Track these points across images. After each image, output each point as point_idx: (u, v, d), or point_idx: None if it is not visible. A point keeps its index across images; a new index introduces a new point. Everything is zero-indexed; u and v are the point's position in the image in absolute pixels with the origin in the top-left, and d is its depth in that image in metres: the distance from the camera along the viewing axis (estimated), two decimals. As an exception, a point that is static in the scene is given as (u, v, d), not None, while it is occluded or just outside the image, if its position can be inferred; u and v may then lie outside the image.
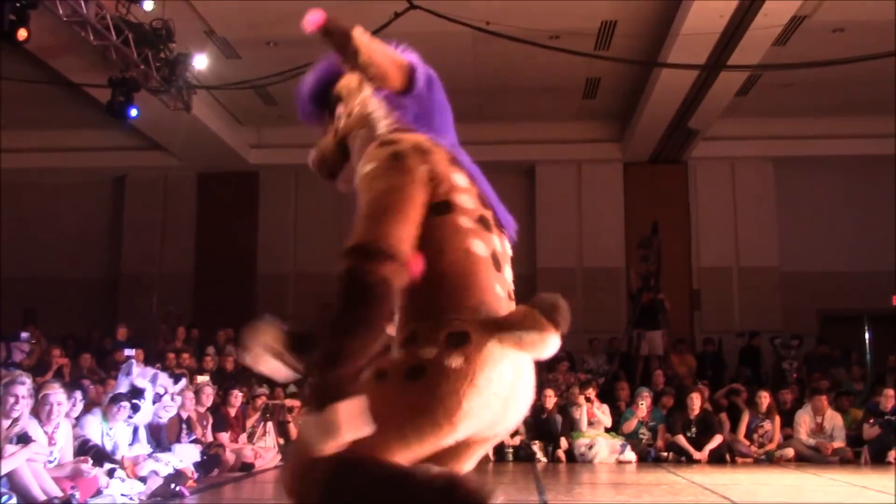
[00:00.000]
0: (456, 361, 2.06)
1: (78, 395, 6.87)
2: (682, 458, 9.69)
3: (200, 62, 10.59)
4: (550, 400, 10.30)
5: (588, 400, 10.13)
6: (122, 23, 9.62)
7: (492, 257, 2.24)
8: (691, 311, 14.63)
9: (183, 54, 10.48)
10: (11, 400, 5.76)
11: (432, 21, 9.65)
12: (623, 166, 15.08)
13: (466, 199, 2.24)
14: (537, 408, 10.32)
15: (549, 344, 2.14)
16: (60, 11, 8.90)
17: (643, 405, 10.23)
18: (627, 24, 10.83)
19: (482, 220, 2.26)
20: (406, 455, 2.08)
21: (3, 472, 5.36)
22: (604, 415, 10.11)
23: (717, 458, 9.69)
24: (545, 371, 12.29)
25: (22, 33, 8.34)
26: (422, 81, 2.43)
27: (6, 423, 5.71)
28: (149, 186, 15.70)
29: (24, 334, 10.18)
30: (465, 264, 2.18)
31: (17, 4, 8.20)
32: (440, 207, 2.20)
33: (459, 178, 2.26)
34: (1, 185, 15.70)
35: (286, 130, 13.58)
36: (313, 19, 2.29)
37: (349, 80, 2.46)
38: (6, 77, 11.13)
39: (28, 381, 5.99)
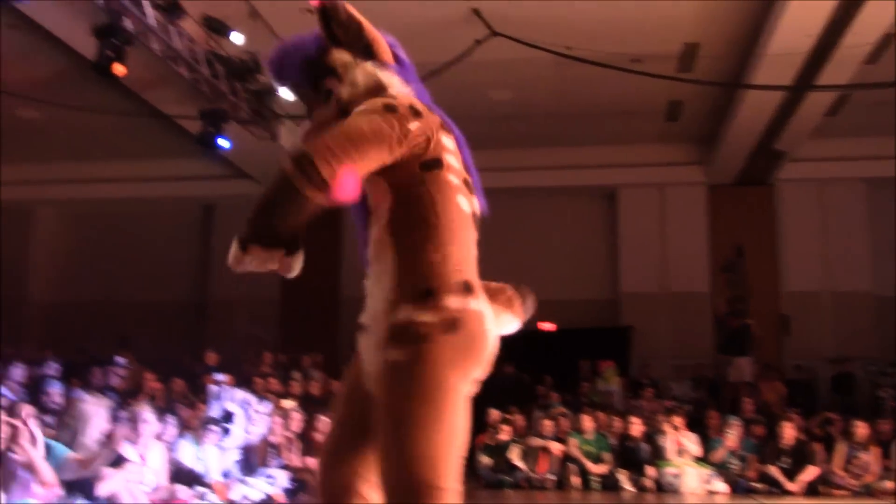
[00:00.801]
0: (475, 305, 2.30)
1: (171, 419, 7.04)
2: (775, 489, 9.40)
3: (287, 93, 10.82)
4: (636, 427, 10.13)
5: (675, 428, 9.92)
6: (213, 56, 9.92)
7: (472, 216, 2.43)
8: (780, 336, 14.24)
9: (270, 85, 10.75)
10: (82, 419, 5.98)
11: (514, 48, 9.71)
12: (707, 189, 14.83)
13: (453, 160, 2.41)
14: (623, 436, 10.17)
15: (510, 327, 2.51)
16: (155, 47, 9.23)
17: (733, 434, 9.97)
18: (711, 46, 10.69)
19: (466, 182, 2.44)
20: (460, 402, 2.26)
21: (104, 495, 5.52)
22: (692, 443, 9.89)
23: (811, 490, 9.37)
24: (630, 398, 12.12)
25: (118, 68, 8.69)
26: (399, 52, 2.60)
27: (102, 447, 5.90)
28: (237, 214, 16.04)
29: (120, 359, 10.50)
30: (454, 216, 2.35)
31: (115, 41, 8.55)
32: (431, 163, 2.36)
33: (448, 141, 2.42)
34: (99, 214, 16.33)
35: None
36: None
37: (341, 55, 2.51)
38: (103, 110, 11.60)
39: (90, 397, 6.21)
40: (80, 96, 11.46)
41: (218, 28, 9.67)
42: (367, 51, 2.50)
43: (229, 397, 7.45)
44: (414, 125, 2.31)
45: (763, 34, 9.85)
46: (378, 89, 2.44)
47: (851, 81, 10.64)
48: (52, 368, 8.44)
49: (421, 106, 2.39)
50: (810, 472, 9.45)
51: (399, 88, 2.45)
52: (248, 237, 2.44)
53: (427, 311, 2.25)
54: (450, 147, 2.42)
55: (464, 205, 2.39)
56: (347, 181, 2.19)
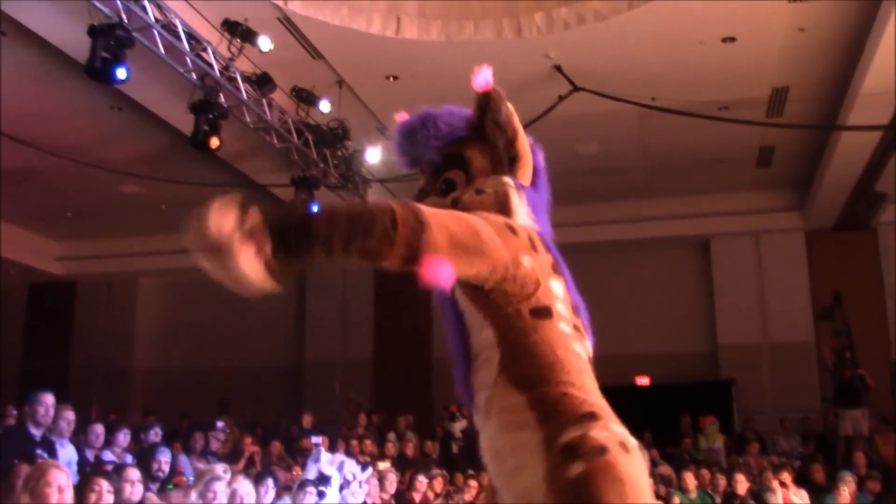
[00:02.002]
0: (627, 436, 2.00)
1: (269, 482, 7.10)
2: (895, 549, 8.87)
3: (374, 156, 11.05)
4: (742, 485, 9.73)
5: (783, 485, 9.50)
6: (303, 125, 10.22)
7: (588, 362, 2.19)
8: (894, 386, 13.57)
9: (358, 150, 11.00)
10: (210, 496, 6.04)
11: (598, 101, 9.71)
12: (805, 235, 14.40)
13: (563, 308, 2.18)
14: (728, 493, 9.78)
15: None
16: (248, 119, 9.57)
17: (846, 491, 9.48)
18: (801, 89, 10.47)
19: (576, 328, 2.20)
20: None
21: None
22: (802, 500, 9.43)
23: (936, 549, 8.80)
24: (735, 454, 11.69)
25: (214, 142, 9.03)
26: (541, 177, 2.36)
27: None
28: (329, 277, 16.36)
29: (220, 424, 10.69)
30: (574, 360, 2.11)
31: (210, 116, 8.90)
32: (542, 312, 2.13)
33: (557, 287, 2.19)
34: (198, 283, 16.82)
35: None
36: (485, 80, 2.27)
37: (481, 154, 2.29)
38: (200, 182, 12.04)
39: (226, 476, 6.26)
40: (179, 170, 11.93)
41: (307, 98, 9.98)
42: (509, 162, 2.28)
43: (326, 460, 7.48)
44: (527, 260, 2.09)
45: (855, 74, 9.61)
46: (502, 209, 2.21)
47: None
48: (156, 434, 8.64)
49: (539, 242, 2.17)
50: (933, 531, 8.90)
51: (523, 219, 2.22)
52: (284, 228, 1.93)
53: (597, 429, 1.95)
54: (559, 294, 2.18)
55: (581, 351, 2.16)
56: (441, 269, 1.96)
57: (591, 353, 2.23)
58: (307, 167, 10.73)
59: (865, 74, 9.26)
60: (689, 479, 9.78)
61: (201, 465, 7.89)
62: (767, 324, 14.24)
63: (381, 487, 8.57)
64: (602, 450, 1.92)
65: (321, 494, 7.27)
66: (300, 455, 9.93)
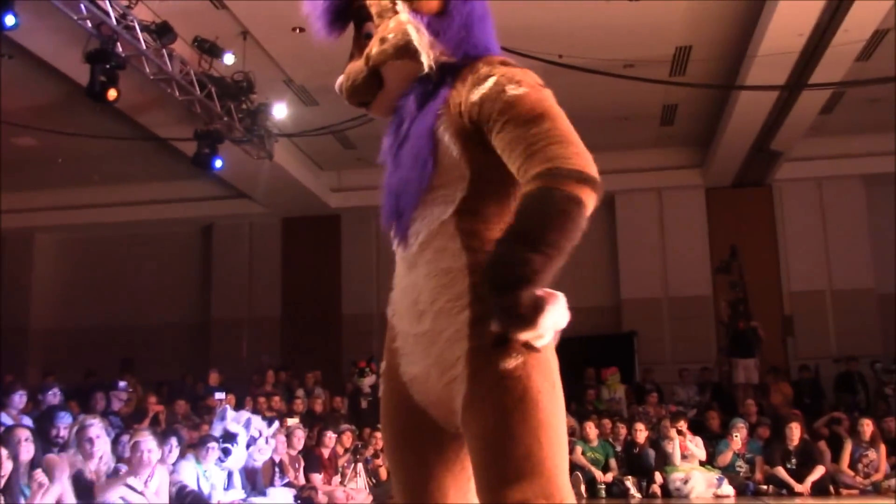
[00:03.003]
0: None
1: (173, 441, 7.02)
2: (783, 491, 9.36)
3: (280, 111, 10.85)
4: (641, 434, 10.10)
5: (680, 433, 9.88)
6: (206, 77, 9.95)
7: None
8: (784, 337, 14.20)
9: (264, 104, 10.77)
10: (88, 445, 5.98)
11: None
12: (705, 192, 14.83)
13: None
14: (628, 442, 10.13)
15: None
16: (147, 70, 9.26)
17: (738, 437, 9.93)
18: (703, 49, 10.70)
19: None
20: None
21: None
22: (697, 448, 9.84)
23: (820, 490, 9.31)
24: (635, 404, 12.08)
25: (112, 93, 8.71)
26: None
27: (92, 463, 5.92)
28: (235, 233, 16.09)
29: (122, 383, 10.48)
30: None
31: (107, 66, 8.57)
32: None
33: None
34: (97, 239, 16.34)
35: (365, 173, 13.79)
36: None
37: None
38: (98, 135, 11.63)
39: (96, 421, 6.23)
40: (75, 122, 11.49)
41: (210, 49, 9.70)
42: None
43: (231, 417, 7.42)
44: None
45: (754, 35, 9.86)
46: (407, 54, 2.05)
47: (844, 79, 10.66)
48: (55, 395, 8.41)
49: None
50: (818, 473, 9.41)
51: (434, 55, 2.05)
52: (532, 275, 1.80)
53: None
54: None
55: None
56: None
57: None
58: (210, 120, 10.46)
59: (763, 36, 9.51)
60: (591, 429, 10.08)
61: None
62: (668, 279, 14.68)
63: (289, 443, 8.57)
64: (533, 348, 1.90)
65: (226, 451, 7.22)
66: (206, 413, 9.83)
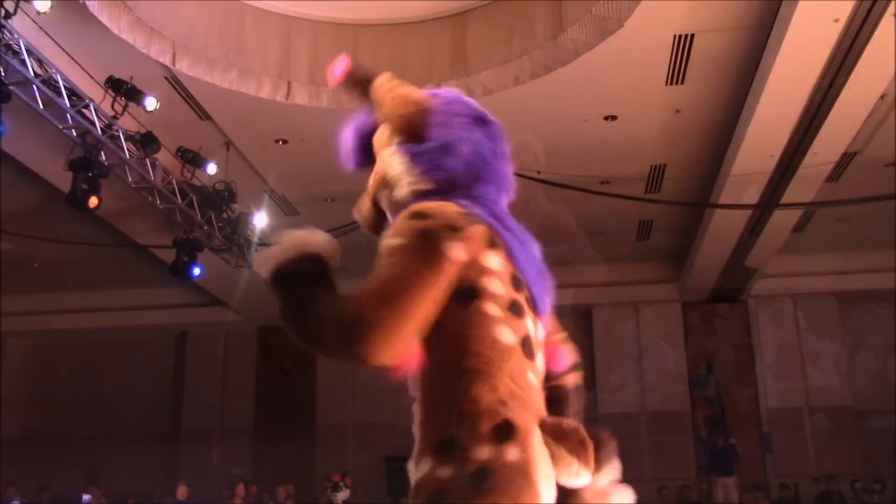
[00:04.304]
0: (512, 454, 1.82)
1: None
2: None
3: (261, 220, 10.90)
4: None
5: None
6: (187, 186, 10.02)
7: (522, 344, 2.00)
8: (763, 454, 14.07)
9: (244, 213, 10.84)
10: None
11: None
12: (682, 306, 14.92)
13: (497, 284, 2.00)
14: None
15: (578, 480, 1.93)
16: (130, 178, 9.31)
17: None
18: (677, 168, 10.95)
19: (513, 306, 2.01)
20: None
21: None
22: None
23: None
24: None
25: (93, 201, 8.72)
26: (438, 121, 2.15)
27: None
28: (209, 341, 15.92)
29: (86, 497, 10.14)
30: (490, 353, 1.94)
31: (90, 174, 8.62)
32: (465, 294, 1.95)
33: (493, 260, 2.01)
34: (70, 345, 16.10)
35: (343, 283, 13.77)
36: (339, 68, 2.20)
37: (380, 134, 2.22)
38: (76, 241, 11.60)
39: None
40: (53, 228, 11.47)
41: (192, 159, 9.81)
42: (393, 131, 2.17)
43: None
44: (452, 253, 1.92)
45: (727, 155, 10.12)
46: (388, 184, 2.13)
47: (815, 199, 10.90)
48: (15, 507, 8.11)
49: (461, 221, 1.97)
50: None
51: (407, 183, 2.10)
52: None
53: (447, 466, 1.81)
54: (492, 267, 2.00)
55: (506, 337, 1.97)
56: (398, 348, 1.85)
57: (535, 331, 2.07)
58: (190, 229, 10.48)
59: (735, 157, 9.76)
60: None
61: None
62: (645, 393, 14.59)
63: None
64: (440, 496, 1.79)
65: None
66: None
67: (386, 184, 2.17)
